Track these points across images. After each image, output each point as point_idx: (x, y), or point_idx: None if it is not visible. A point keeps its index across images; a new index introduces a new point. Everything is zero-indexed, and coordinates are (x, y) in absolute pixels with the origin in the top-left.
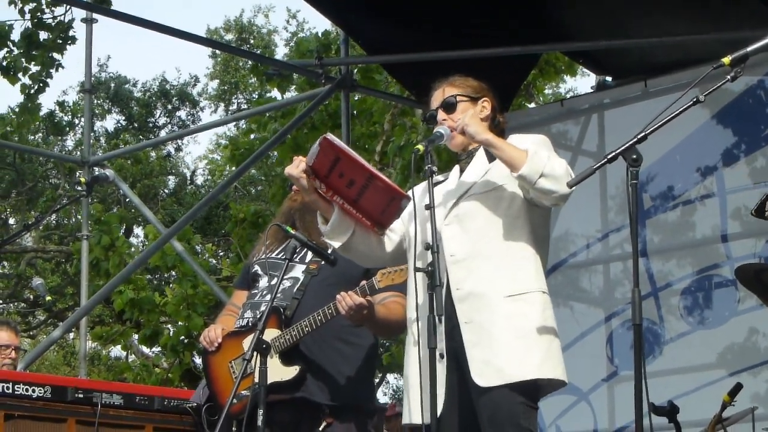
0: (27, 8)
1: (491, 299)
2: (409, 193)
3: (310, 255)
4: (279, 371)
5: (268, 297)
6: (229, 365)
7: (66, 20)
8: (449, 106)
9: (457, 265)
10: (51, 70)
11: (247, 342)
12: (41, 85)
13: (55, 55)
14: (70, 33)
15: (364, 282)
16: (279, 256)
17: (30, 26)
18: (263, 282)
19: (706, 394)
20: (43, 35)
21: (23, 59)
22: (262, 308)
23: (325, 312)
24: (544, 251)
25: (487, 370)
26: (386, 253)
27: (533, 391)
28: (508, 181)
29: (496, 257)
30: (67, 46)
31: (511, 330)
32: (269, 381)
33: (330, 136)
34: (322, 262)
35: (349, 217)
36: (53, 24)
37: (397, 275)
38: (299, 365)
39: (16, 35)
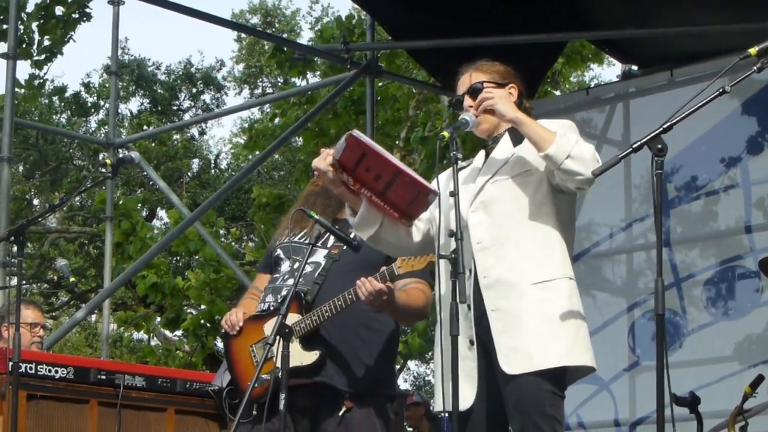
0: None
1: (518, 286)
2: (434, 185)
3: (332, 240)
4: (299, 356)
5: (290, 281)
6: (250, 349)
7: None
8: (476, 92)
9: (484, 252)
10: (63, 39)
11: (269, 326)
12: (48, 55)
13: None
14: (86, 10)
15: (384, 268)
16: (302, 240)
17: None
18: (285, 266)
19: (728, 386)
20: (58, 11)
21: (36, 33)
22: (284, 293)
23: (346, 297)
24: (570, 237)
25: (515, 357)
26: (414, 243)
27: (560, 378)
28: (534, 165)
29: (522, 243)
30: (82, 22)
31: (538, 317)
32: (290, 365)
33: (356, 132)
34: (344, 247)
35: (376, 208)
36: (70, 1)
37: (417, 261)
38: (320, 350)
39: (30, 7)
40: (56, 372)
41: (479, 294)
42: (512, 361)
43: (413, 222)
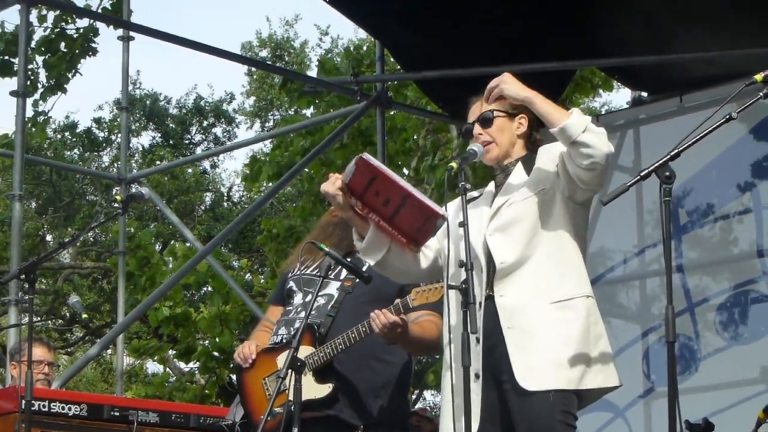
0: (50, 15)
1: (536, 306)
2: (444, 211)
3: (345, 272)
4: (313, 389)
5: (302, 314)
6: (263, 382)
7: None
8: (486, 121)
9: (505, 273)
10: (68, 74)
11: (281, 359)
12: (52, 88)
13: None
14: (92, 45)
15: (398, 300)
16: (314, 273)
17: (50, 34)
18: (298, 298)
19: (742, 411)
20: (63, 46)
21: (40, 68)
22: (297, 325)
23: (359, 330)
24: (585, 253)
25: (530, 374)
26: (421, 270)
27: (575, 399)
28: (547, 184)
29: (541, 263)
30: (87, 57)
31: (555, 337)
32: (303, 398)
33: (366, 155)
34: (357, 280)
35: (384, 234)
36: (75, 36)
37: (431, 294)
38: (332, 383)
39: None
40: (69, 409)
41: (493, 320)
42: (527, 378)
43: (421, 248)
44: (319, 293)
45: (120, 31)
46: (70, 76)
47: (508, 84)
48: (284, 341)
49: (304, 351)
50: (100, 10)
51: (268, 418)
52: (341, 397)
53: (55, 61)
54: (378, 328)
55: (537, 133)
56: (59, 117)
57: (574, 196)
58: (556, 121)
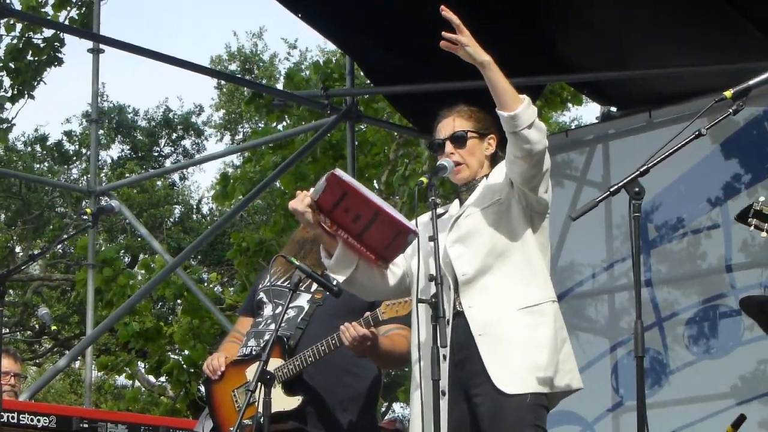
0: (18, 25)
1: (504, 313)
2: (414, 227)
3: (315, 284)
4: (282, 401)
5: (272, 326)
6: (232, 394)
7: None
8: (459, 140)
9: (469, 284)
10: (34, 83)
11: (251, 371)
12: (15, 95)
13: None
14: (58, 55)
15: (368, 313)
16: (284, 284)
17: (17, 43)
18: (267, 310)
19: (711, 425)
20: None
21: (4, 75)
22: (266, 337)
23: (329, 343)
24: (547, 259)
25: (509, 378)
26: (389, 287)
27: (545, 413)
28: (502, 195)
29: (505, 271)
30: (53, 66)
31: (528, 341)
32: (272, 411)
33: (338, 171)
34: (327, 293)
35: (352, 251)
36: (41, 46)
37: (401, 307)
38: (302, 395)
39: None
40: (39, 421)
41: (460, 339)
42: (507, 381)
43: (389, 265)
44: (290, 305)
45: (90, 44)
46: (35, 84)
47: (471, 44)
48: (253, 353)
49: (274, 363)
50: (67, 21)
51: (237, 431)
52: (310, 410)
53: (22, 67)
54: (348, 341)
55: (501, 151)
56: (28, 130)
57: (526, 199)
58: (506, 106)
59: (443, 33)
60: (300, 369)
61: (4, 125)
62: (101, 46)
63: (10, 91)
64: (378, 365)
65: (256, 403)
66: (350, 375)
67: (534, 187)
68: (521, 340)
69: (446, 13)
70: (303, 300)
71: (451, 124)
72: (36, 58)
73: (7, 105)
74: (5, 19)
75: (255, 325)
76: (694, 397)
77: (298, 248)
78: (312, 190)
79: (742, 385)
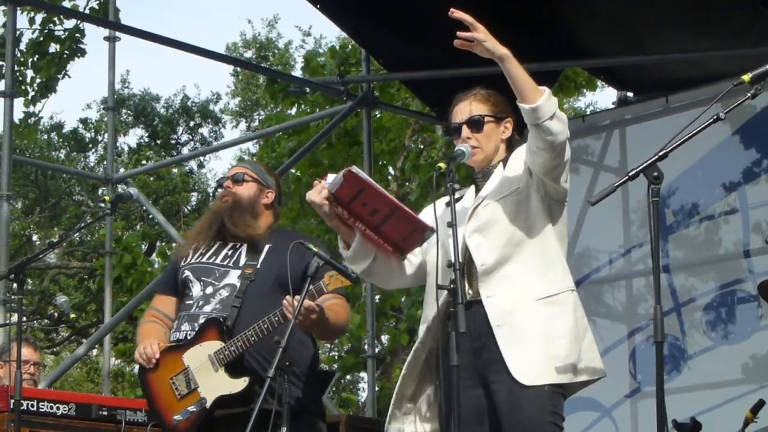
0: (38, 17)
1: (523, 303)
2: (430, 215)
3: (244, 258)
4: (227, 384)
5: (206, 308)
6: (170, 382)
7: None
8: (476, 124)
9: (488, 274)
10: (58, 76)
11: (188, 356)
12: (43, 91)
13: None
14: (80, 46)
15: (311, 286)
16: (211, 261)
17: (38, 36)
18: (196, 290)
19: (729, 411)
20: (52, 48)
21: (30, 70)
22: (201, 320)
23: (272, 320)
24: (565, 248)
25: (527, 370)
26: (407, 276)
27: (562, 400)
28: (521, 183)
29: (524, 260)
30: (76, 58)
31: (547, 332)
32: (217, 395)
33: (354, 169)
34: (258, 266)
35: (370, 242)
36: (63, 37)
37: (345, 277)
38: (248, 376)
39: (24, 43)
40: (58, 409)
41: (477, 327)
42: (524, 372)
43: (406, 256)
44: (220, 284)
45: (106, 32)
46: (60, 77)
47: (488, 39)
48: (188, 338)
49: (212, 346)
50: (87, 11)
51: (180, 418)
52: (259, 389)
53: (44, 64)
54: (292, 315)
55: (517, 134)
56: (45, 118)
57: (545, 188)
58: (527, 98)
59: (458, 33)
60: (243, 350)
61: (32, 120)
62: (117, 34)
63: (32, 89)
64: (320, 338)
65: (199, 389)
66: (292, 351)
67: (556, 177)
68: (540, 330)
69: (457, 14)
70: (233, 277)
71: (467, 107)
72: (58, 50)
73: (31, 106)
74: (25, 12)
75: (185, 308)
76: (713, 383)
77: (217, 219)
78: (329, 182)
79: (760, 370)
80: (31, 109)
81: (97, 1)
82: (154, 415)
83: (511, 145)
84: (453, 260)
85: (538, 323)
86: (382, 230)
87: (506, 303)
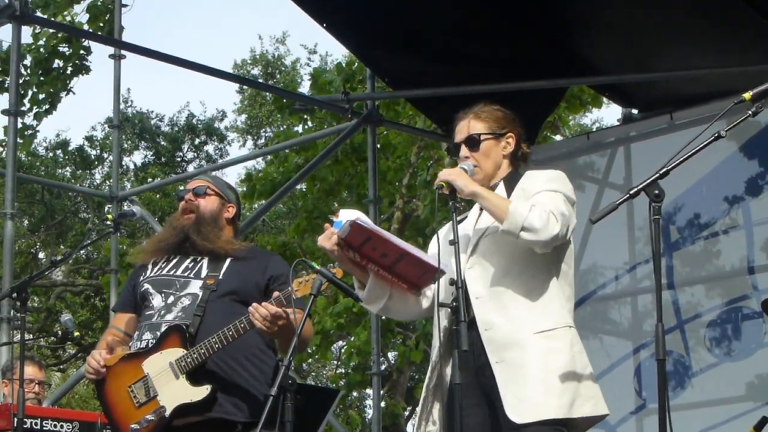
0: (42, 38)
1: (521, 337)
2: (434, 243)
3: (206, 270)
4: (188, 392)
5: (168, 317)
6: (128, 390)
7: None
8: (472, 143)
9: (484, 306)
10: (61, 94)
11: (148, 364)
12: (48, 108)
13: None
14: (85, 63)
15: (278, 293)
16: (171, 273)
17: (43, 53)
18: (157, 301)
19: (733, 428)
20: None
21: (33, 83)
22: (164, 328)
23: (237, 327)
24: (567, 284)
25: (521, 407)
26: (423, 309)
27: (566, 427)
28: None
29: (521, 294)
30: (81, 75)
31: (543, 367)
32: (177, 403)
33: (361, 219)
34: (220, 277)
35: (384, 281)
36: (68, 54)
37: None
38: (210, 384)
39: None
40: (61, 427)
41: (481, 345)
42: (520, 411)
43: (422, 292)
44: (182, 293)
45: (111, 50)
46: (63, 95)
47: (458, 179)
48: (149, 346)
49: (174, 353)
50: (90, 29)
51: (138, 427)
52: (221, 398)
53: (48, 80)
54: (259, 321)
55: (524, 145)
56: (50, 135)
57: None
58: (499, 221)
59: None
60: (206, 357)
61: (28, 132)
62: (123, 51)
63: (36, 106)
64: (283, 348)
65: (158, 396)
66: (253, 360)
67: (559, 245)
68: (537, 365)
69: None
70: (195, 287)
71: (466, 126)
72: (62, 67)
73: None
74: (30, 28)
75: (146, 318)
76: (717, 400)
77: (179, 235)
78: (338, 225)
79: (765, 387)
80: (27, 121)
81: (103, 19)
82: (112, 426)
83: (516, 158)
84: (456, 279)
85: (536, 357)
86: (395, 270)
87: (504, 336)
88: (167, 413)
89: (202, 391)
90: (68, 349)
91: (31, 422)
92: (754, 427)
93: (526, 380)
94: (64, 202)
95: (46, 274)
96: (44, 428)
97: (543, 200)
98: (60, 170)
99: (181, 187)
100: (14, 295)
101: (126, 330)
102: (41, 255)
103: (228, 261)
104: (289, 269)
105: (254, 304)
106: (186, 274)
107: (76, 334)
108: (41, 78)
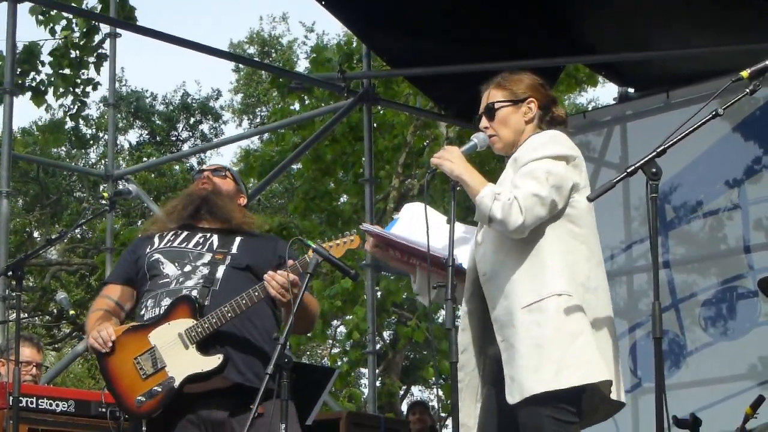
0: (58, 27)
1: (513, 314)
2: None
3: (216, 243)
4: (198, 362)
5: (188, 283)
6: (134, 362)
7: (95, 41)
8: (489, 112)
9: (488, 284)
10: (88, 89)
11: (155, 335)
12: (80, 104)
13: (92, 74)
14: (101, 51)
15: (293, 261)
16: (183, 246)
17: (61, 46)
18: (171, 269)
19: (729, 406)
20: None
21: (56, 79)
22: (185, 293)
23: (251, 295)
24: (580, 244)
25: (513, 387)
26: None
27: (561, 400)
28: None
29: (514, 268)
30: (103, 63)
31: (528, 342)
32: (187, 373)
33: (364, 226)
34: (231, 252)
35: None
36: (81, 43)
37: (335, 249)
38: (221, 353)
39: (45, 56)
40: (57, 406)
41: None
42: (511, 391)
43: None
44: (198, 263)
45: (107, 28)
46: (90, 90)
47: (446, 161)
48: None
49: (182, 324)
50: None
51: (144, 399)
52: (236, 363)
53: (70, 77)
54: (275, 289)
55: (556, 108)
56: (45, 114)
57: None
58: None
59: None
60: (217, 326)
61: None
62: (118, 30)
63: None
64: (294, 326)
65: (166, 368)
66: (258, 331)
67: (559, 211)
68: (524, 342)
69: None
70: (206, 258)
71: (486, 96)
72: (79, 56)
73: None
74: (44, 26)
75: (161, 286)
76: (713, 379)
77: (192, 203)
78: (391, 227)
79: (760, 367)
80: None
81: None
82: (116, 399)
83: (548, 121)
84: (447, 257)
85: (524, 334)
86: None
87: (503, 315)
88: (176, 384)
89: (214, 361)
90: (63, 328)
91: (27, 401)
92: (750, 406)
93: (515, 359)
94: (58, 181)
95: (41, 253)
96: (40, 407)
97: (519, 181)
98: (55, 149)
99: (197, 167)
100: (9, 273)
101: (119, 300)
102: (36, 234)
103: (238, 237)
104: (326, 253)
105: (270, 272)
106: (198, 249)
107: (72, 312)
108: (61, 72)
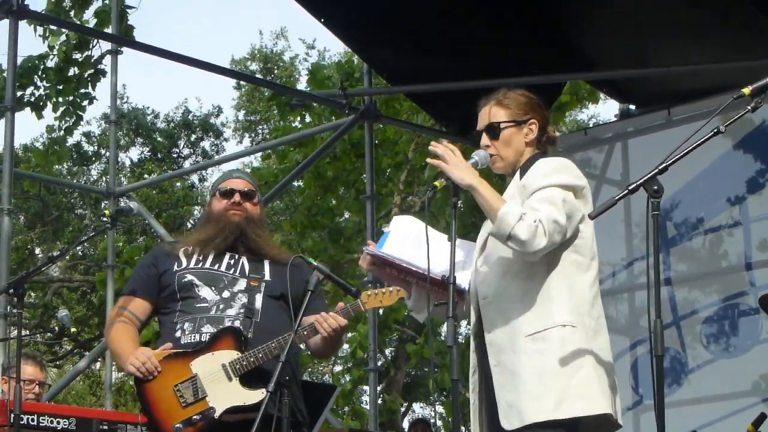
0: (56, 45)
1: (514, 340)
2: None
3: (248, 267)
4: (241, 395)
5: (229, 312)
6: (174, 389)
7: (94, 57)
8: (492, 131)
9: (488, 307)
10: (84, 103)
11: (198, 365)
12: (76, 118)
13: (89, 89)
14: (100, 67)
15: (347, 305)
16: (215, 268)
17: (59, 61)
18: (208, 293)
19: (731, 424)
20: (71, 71)
21: (53, 93)
22: (227, 323)
23: (301, 334)
24: (582, 273)
25: (510, 413)
26: (464, 312)
27: (557, 428)
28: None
29: (518, 295)
30: (101, 78)
31: (531, 370)
32: (230, 404)
33: (367, 249)
34: (266, 277)
35: (424, 291)
36: (81, 59)
37: (386, 297)
38: (264, 388)
39: (45, 71)
40: (58, 423)
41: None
42: (508, 417)
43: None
44: (234, 289)
45: (108, 45)
46: (86, 104)
47: (455, 170)
48: (203, 341)
49: (226, 356)
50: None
51: (182, 427)
52: (276, 400)
53: (67, 90)
54: (327, 332)
55: (551, 130)
56: (46, 133)
57: None
58: (491, 221)
59: (427, 159)
60: (263, 361)
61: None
62: (119, 47)
63: (62, 118)
64: (323, 354)
65: (207, 398)
66: (288, 366)
67: (567, 239)
68: (527, 370)
69: (434, 147)
70: (241, 285)
71: (486, 113)
72: (78, 73)
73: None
74: (46, 40)
75: (200, 311)
76: (714, 396)
77: (225, 234)
78: (383, 241)
79: (762, 384)
80: (54, 135)
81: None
82: (151, 423)
83: (544, 142)
84: (448, 275)
85: (526, 362)
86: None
87: (501, 340)
88: (216, 414)
89: (257, 395)
90: (65, 345)
91: (28, 418)
92: (752, 424)
93: (516, 386)
94: (60, 198)
95: (43, 270)
96: (41, 424)
97: (537, 204)
98: (56, 166)
99: (223, 184)
100: (11, 291)
101: (138, 314)
102: (37, 251)
103: (267, 263)
104: (327, 271)
105: (323, 314)
106: (231, 272)
107: (73, 330)
108: (59, 87)
